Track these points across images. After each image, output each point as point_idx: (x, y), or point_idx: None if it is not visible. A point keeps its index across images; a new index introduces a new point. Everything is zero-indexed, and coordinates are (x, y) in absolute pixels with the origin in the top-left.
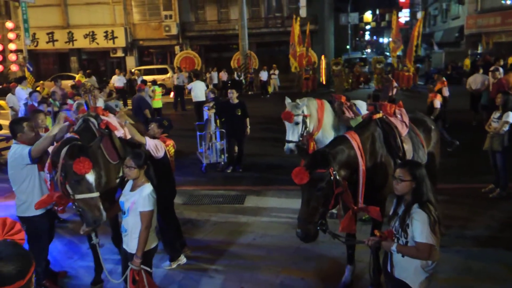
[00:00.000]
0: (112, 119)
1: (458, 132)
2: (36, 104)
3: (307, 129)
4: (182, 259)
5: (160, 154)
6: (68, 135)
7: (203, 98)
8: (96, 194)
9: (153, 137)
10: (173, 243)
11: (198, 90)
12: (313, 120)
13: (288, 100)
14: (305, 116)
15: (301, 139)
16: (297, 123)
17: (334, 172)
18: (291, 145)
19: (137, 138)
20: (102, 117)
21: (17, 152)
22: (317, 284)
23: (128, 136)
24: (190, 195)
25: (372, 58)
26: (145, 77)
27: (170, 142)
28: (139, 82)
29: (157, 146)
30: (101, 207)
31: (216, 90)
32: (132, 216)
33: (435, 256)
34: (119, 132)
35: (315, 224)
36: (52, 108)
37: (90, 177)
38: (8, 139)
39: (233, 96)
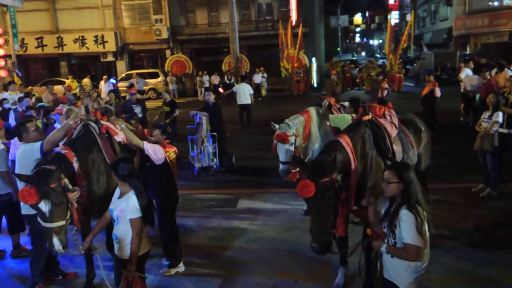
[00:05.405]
0: (111, 124)
1: (448, 132)
2: (24, 109)
3: (297, 147)
4: (181, 267)
5: (160, 157)
6: (57, 149)
7: (248, 101)
8: (48, 224)
9: (156, 143)
10: (175, 251)
11: (242, 93)
12: (299, 138)
13: (273, 123)
14: (296, 136)
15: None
16: (291, 144)
17: (336, 179)
18: (287, 167)
19: (135, 142)
20: (102, 122)
21: (27, 148)
22: (310, 286)
23: (127, 141)
24: (182, 199)
25: (365, 63)
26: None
27: (172, 149)
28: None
29: (155, 150)
30: (54, 240)
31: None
32: (122, 224)
33: (423, 257)
34: (119, 137)
35: (329, 234)
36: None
37: (43, 207)
38: None
39: (210, 97)
